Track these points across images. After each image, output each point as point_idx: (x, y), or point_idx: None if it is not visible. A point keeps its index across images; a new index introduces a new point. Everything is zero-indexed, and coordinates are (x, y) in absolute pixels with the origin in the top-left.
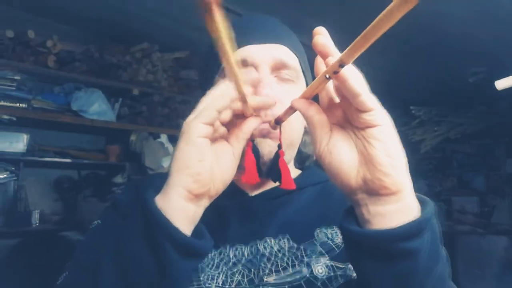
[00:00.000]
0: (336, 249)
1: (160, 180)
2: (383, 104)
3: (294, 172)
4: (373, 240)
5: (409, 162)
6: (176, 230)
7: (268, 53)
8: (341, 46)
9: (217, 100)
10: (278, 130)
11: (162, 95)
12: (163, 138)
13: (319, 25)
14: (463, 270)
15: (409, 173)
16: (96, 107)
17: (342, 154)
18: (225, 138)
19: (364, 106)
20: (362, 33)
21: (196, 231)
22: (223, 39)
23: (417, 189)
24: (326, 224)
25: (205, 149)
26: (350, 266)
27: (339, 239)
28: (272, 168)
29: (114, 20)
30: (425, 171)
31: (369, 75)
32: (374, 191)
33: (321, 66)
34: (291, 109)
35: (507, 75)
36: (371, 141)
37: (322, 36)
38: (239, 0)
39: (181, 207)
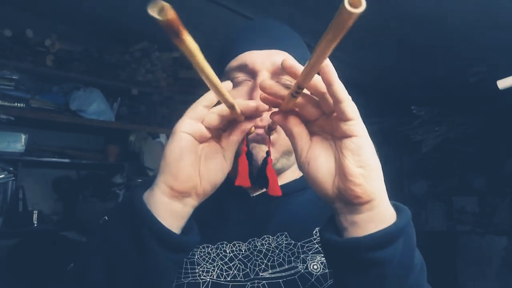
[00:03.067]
0: None
1: None
2: (385, 103)
3: (296, 175)
4: (343, 247)
5: (410, 162)
6: (158, 223)
7: (268, 59)
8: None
9: (203, 98)
10: (272, 136)
11: (161, 95)
12: (163, 138)
13: (320, 26)
14: (463, 269)
15: (384, 183)
16: (95, 106)
17: (319, 164)
18: (218, 141)
19: (344, 114)
20: (311, 58)
21: (185, 227)
22: (197, 58)
23: (417, 189)
24: None
25: (188, 147)
26: None
27: None
28: (260, 174)
29: (113, 19)
30: (426, 171)
31: (371, 75)
32: (348, 200)
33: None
34: None
35: (508, 75)
36: (344, 152)
37: (289, 59)
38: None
39: (165, 203)
